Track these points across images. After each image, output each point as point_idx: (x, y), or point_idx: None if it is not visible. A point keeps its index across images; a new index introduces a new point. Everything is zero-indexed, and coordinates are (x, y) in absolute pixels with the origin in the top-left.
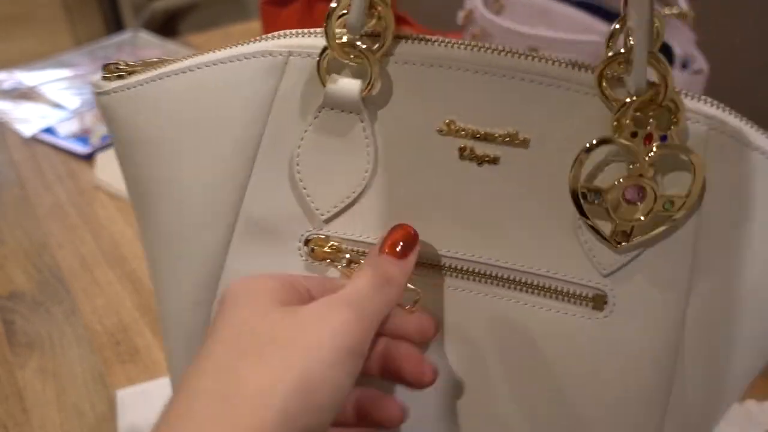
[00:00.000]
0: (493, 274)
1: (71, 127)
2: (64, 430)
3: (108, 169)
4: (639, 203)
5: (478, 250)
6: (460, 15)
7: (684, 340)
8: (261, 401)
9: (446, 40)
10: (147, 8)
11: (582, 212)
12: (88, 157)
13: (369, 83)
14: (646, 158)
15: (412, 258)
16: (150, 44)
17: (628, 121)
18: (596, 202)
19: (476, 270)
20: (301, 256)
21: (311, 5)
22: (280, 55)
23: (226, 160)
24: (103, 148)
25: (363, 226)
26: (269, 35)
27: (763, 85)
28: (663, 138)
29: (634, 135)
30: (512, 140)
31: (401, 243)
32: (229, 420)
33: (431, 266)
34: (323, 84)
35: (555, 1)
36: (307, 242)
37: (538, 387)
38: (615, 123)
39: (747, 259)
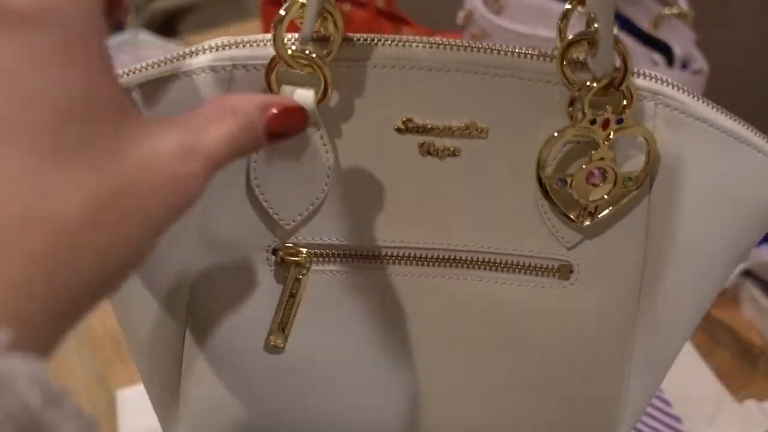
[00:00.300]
0: (460, 258)
1: None
2: None
3: None
4: (601, 184)
5: (442, 238)
6: (460, 15)
7: (641, 291)
8: None
9: (396, 38)
10: (147, 8)
11: (549, 199)
12: None
13: (323, 92)
14: (606, 143)
15: (269, 143)
16: (150, 44)
17: (585, 108)
18: (563, 188)
19: (443, 257)
20: (270, 266)
21: None
22: (224, 69)
23: None
24: None
25: (329, 230)
26: (212, 43)
27: (763, 85)
28: (619, 121)
29: (593, 122)
30: (470, 131)
31: (284, 125)
32: None
33: (395, 258)
34: None
35: (555, 1)
36: (275, 252)
37: (511, 358)
38: (570, 108)
39: (682, 218)
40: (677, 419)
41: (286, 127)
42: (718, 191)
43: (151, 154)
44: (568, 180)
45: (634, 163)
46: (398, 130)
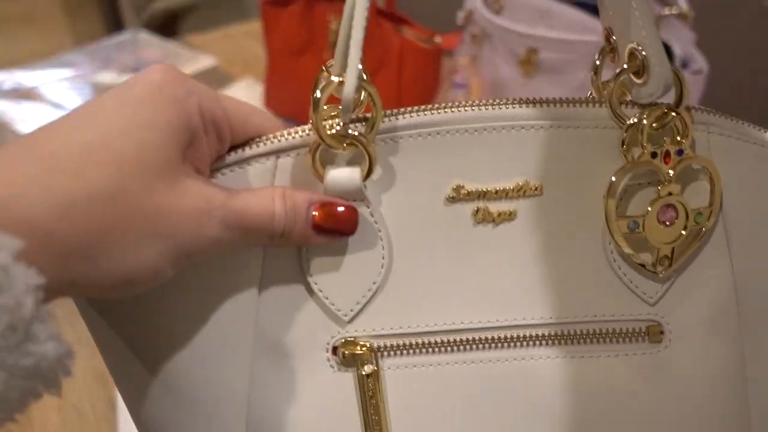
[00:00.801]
0: (532, 335)
1: None
2: (65, 430)
3: None
4: (674, 223)
5: (515, 313)
6: (460, 15)
7: (744, 341)
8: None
9: (435, 105)
10: (147, 8)
11: (620, 248)
12: None
13: (368, 168)
14: (670, 174)
15: (322, 238)
16: (150, 44)
17: (644, 140)
18: (636, 230)
19: (514, 336)
20: (332, 367)
21: (311, 5)
22: (267, 159)
23: (233, 284)
24: None
25: (390, 317)
26: (251, 143)
27: (763, 85)
28: (679, 152)
29: (654, 155)
30: (525, 191)
31: (332, 223)
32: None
33: (464, 343)
34: (321, 179)
35: (555, 1)
36: (335, 350)
37: None
38: (624, 146)
39: (762, 244)
40: None
41: (333, 224)
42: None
43: (180, 204)
44: (640, 222)
45: (700, 198)
46: (449, 199)
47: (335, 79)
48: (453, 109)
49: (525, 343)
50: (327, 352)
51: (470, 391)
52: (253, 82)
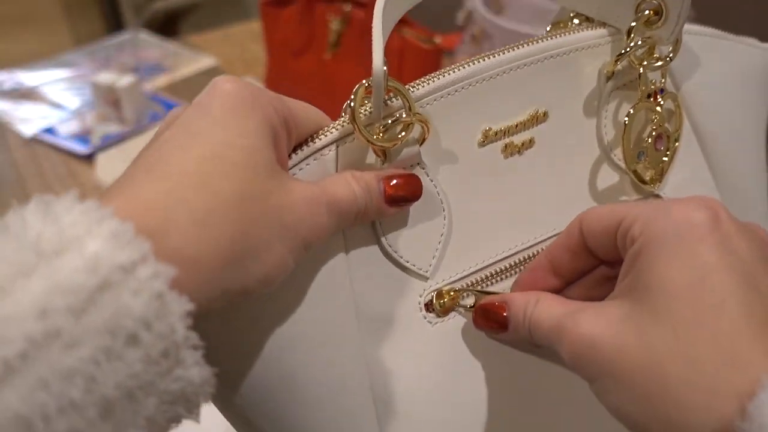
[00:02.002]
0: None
1: (72, 127)
2: None
3: (108, 169)
4: (664, 148)
5: (554, 224)
6: (460, 15)
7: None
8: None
9: (445, 70)
10: (147, 8)
11: (633, 170)
12: (89, 157)
13: (423, 135)
14: (661, 111)
15: (395, 208)
16: (150, 44)
17: (642, 85)
18: (642, 159)
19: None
20: (430, 322)
21: (311, 5)
22: (329, 150)
23: (326, 267)
24: (104, 148)
25: (462, 260)
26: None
27: None
28: (662, 91)
29: (649, 96)
30: (537, 119)
31: (401, 191)
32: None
33: (524, 262)
34: (381, 155)
35: (555, 1)
36: (428, 307)
37: None
38: (621, 60)
39: (717, 116)
40: None
41: (403, 192)
42: (725, 81)
43: (295, 195)
44: (645, 151)
45: (673, 122)
46: (481, 143)
47: (364, 82)
48: (462, 67)
49: None
50: (421, 310)
51: None
52: (253, 82)
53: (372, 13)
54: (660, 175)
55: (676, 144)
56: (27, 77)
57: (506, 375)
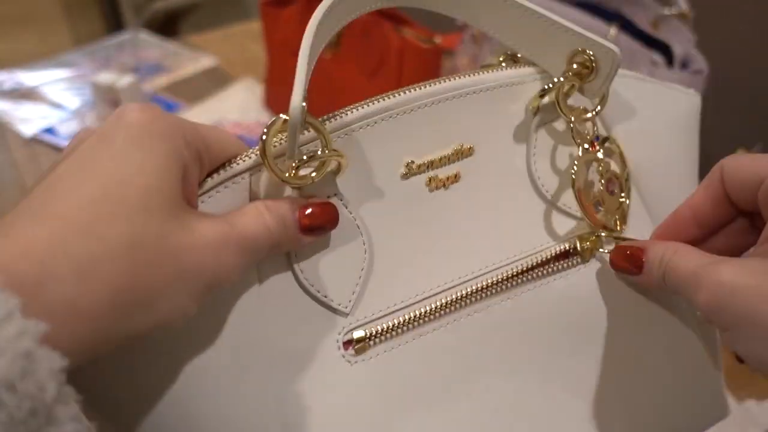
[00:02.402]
0: (505, 276)
1: (72, 127)
2: None
3: None
4: (616, 190)
5: (480, 263)
6: None
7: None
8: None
9: (374, 98)
10: (147, 8)
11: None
12: None
13: (338, 166)
14: (601, 157)
15: (310, 238)
16: (150, 44)
17: (577, 138)
18: (600, 209)
19: (487, 282)
20: (348, 362)
21: (311, 5)
22: (242, 178)
23: (235, 305)
24: None
25: (384, 298)
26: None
27: (763, 85)
28: (597, 138)
29: (591, 145)
30: (461, 153)
31: (318, 221)
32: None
33: (457, 301)
34: (295, 186)
35: (555, 1)
36: (345, 345)
37: (597, 346)
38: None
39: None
40: None
41: (320, 221)
42: (653, 124)
43: (197, 236)
44: (601, 200)
45: (615, 161)
46: (404, 175)
47: (282, 117)
48: (389, 97)
49: (493, 290)
50: (339, 348)
51: (465, 347)
52: (253, 82)
53: (372, 14)
54: (624, 217)
55: (627, 182)
56: (27, 77)
57: (444, 415)
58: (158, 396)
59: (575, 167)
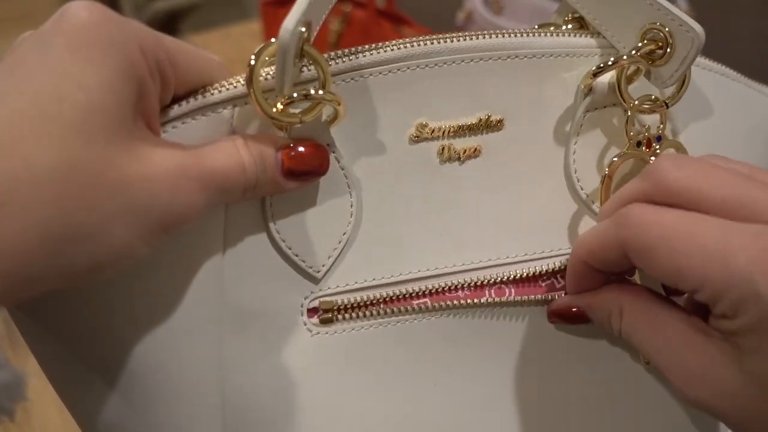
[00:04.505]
0: (513, 275)
1: None
2: (65, 430)
3: None
4: None
5: (488, 253)
6: (460, 15)
7: None
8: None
9: (390, 42)
10: (147, 8)
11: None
12: None
13: (335, 114)
14: (651, 159)
15: (293, 183)
16: None
17: (630, 131)
18: None
19: (492, 278)
20: (310, 330)
21: None
22: (224, 108)
23: (194, 252)
24: None
25: (364, 269)
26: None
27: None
28: (658, 139)
29: (638, 144)
30: (487, 125)
31: (304, 165)
32: None
33: (445, 288)
34: (283, 129)
35: (555, 1)
36: (310, 312)
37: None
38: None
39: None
40: None
41: (307, 166)
42: (730, 130)
43: (149, 165)
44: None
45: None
46: (413, 138)
47: (273, 41)
48: (407, 45)
49: (498, 284)
50: (302, 315)
51: (447, 341)
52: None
53: (372, 13)
54: None
55: None
56: None
57: (408, 401)
58: (102, 339)
59: (614, 161)
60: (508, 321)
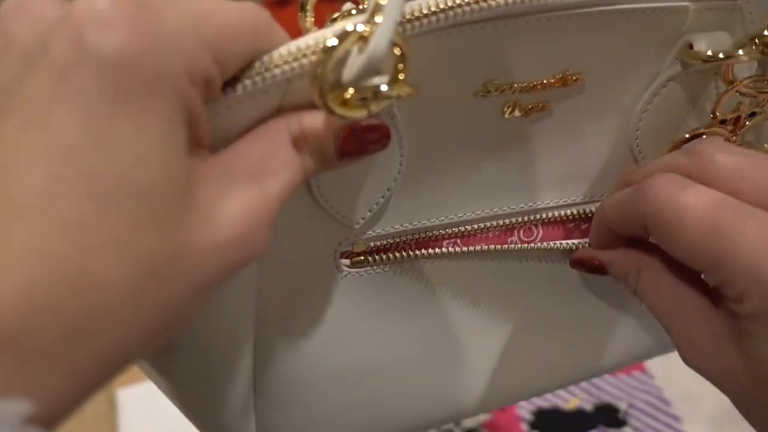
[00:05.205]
0: (549, 217)
1: None
2: (65, 430)
3: None
4: None
5: (526, 198)
6: None
7: None
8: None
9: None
10: None
11: None
12: None
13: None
14: (734, 137)
15: (343, 163)
16: None
17: (720, 109)
18: None
19: (528, 219)
20: (341, 271)
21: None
22: (278, 88)
23: None
24: None
25: (403, 216)
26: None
27: None
28: (752, 115)
29: (723, 122)
30: (563, 82)
31: (367, 148)
32: None
33: (479, 230)
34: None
35: None
36: (346, 254)
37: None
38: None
39: None
40: (677, 419)
41: (363, 150)
42: None
43: (219, 228)
44: None
45: None
46: (478, 93)
47: (360, 28)
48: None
49: (528, 224)
50: (335, 257)
51: (481, 279)
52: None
53: None
54: None
55: None
56: None
57: (431, 335)
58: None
59: (681, 132)
60: (531, 263)
